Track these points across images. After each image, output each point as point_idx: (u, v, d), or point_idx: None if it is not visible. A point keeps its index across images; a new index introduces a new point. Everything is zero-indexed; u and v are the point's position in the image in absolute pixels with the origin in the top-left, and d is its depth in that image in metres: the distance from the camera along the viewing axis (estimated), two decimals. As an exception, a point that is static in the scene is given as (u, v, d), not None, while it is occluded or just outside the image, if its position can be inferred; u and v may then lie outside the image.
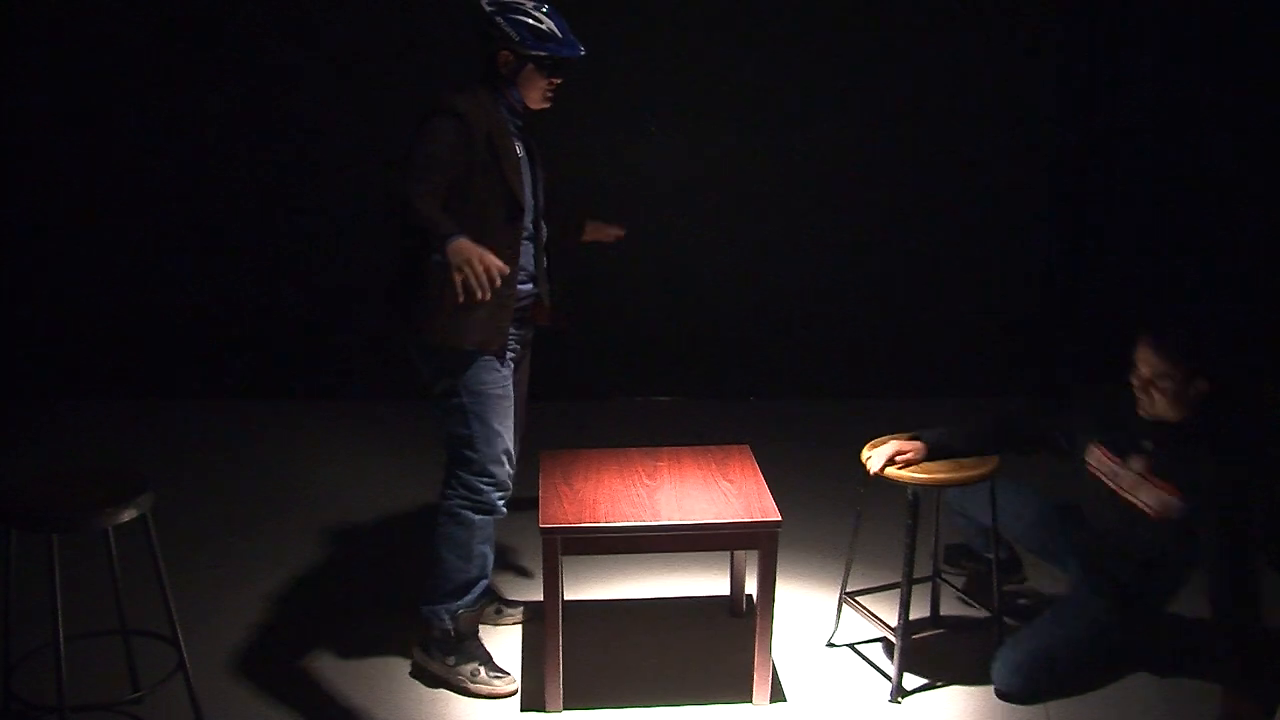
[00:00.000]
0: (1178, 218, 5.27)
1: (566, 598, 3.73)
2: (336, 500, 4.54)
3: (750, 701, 3.33)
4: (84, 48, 5.50)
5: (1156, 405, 3.28)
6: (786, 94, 5.65)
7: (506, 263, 3.04)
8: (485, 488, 3.28)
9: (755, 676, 3.30)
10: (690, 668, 3.51)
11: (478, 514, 3.30)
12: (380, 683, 3.42)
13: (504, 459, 3.32)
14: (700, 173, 5.75)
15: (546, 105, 3.31)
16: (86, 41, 5.49)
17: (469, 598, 3.37)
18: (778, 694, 3.38)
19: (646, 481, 3.45)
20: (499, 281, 2.93)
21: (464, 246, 2.89)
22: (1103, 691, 3.41)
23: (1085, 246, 5.45)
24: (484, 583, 3.40)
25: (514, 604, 3.80)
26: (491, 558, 3.39)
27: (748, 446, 3.71)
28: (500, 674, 3.37)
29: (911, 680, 3.43)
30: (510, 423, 3.35)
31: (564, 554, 3.18)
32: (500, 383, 3.30)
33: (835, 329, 5.86)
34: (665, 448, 3.71)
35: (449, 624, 3.36)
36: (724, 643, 3.64)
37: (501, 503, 3.33)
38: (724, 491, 3.37)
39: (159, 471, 4.98)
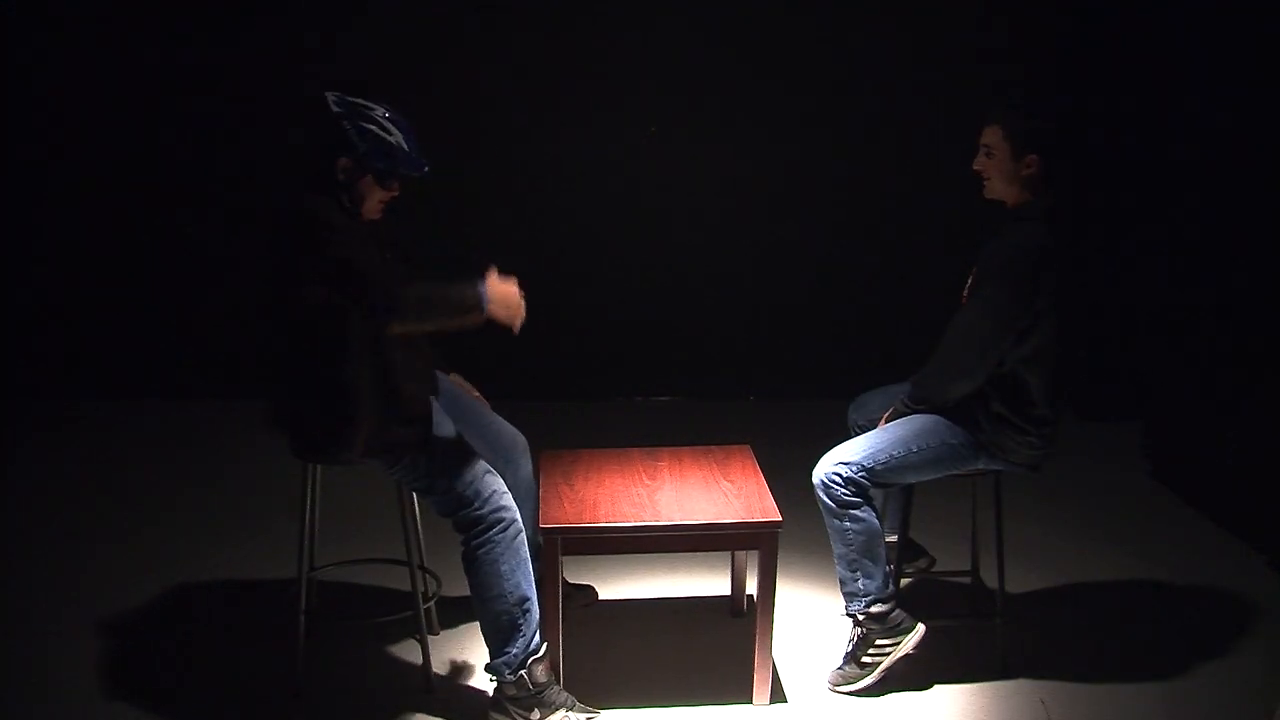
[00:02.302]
0: (1174, 221, 5.27)
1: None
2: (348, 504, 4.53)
3: (750, 702, 3.33)
4: (83, 47, 5.51)
5: (994, 185, 3.33)
6: (788, 94, 5.66)
7: (418, 361, 3.22)
8: (484, 511, 3.11)
9: (755, 676, 3.30)
10: (690, 668, 3.51)
11: (496, 535, 3.11)
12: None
13: (484, 473, 3.15)
14: (700, 172, 5.76)
15: (379, 217, 3.15)
16: (83, 41, 5.50)
17: (524, 638, 3.12)
18: (778, 694, 3.38)
19: (647, 481, 3.44)
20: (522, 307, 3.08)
21: (499, 294, 3.02)
22: (1103, 690, 3.42)
23: (1086, 248, 5.45)
24: (534, 615, 3.14)
25: (581, 588, 3.83)
26: (530, 582, 3.15)
27: (748, 446, 3.71)
28: (590, 712, 3.20)
29: (908, 679, 3.44)
30: (464, 440, 3.24)
31: (564, 554, 3.18)
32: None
33: (835, 329, 5.87)
34: (665, 448, 3.71)
35: (521, 676, 3.11)
36: (724, 643, 3.64)
37: (509, 510, 3.15)
38: (724, 492, 3.37)
39: (163, 471, 5.00)
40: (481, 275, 3.03)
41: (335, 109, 3.04)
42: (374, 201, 3.12)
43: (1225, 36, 4.95)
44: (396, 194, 3.14)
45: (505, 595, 3.11)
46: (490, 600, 3.12)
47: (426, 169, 3.11)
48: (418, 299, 3.00)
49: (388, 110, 3.07)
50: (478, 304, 2.99)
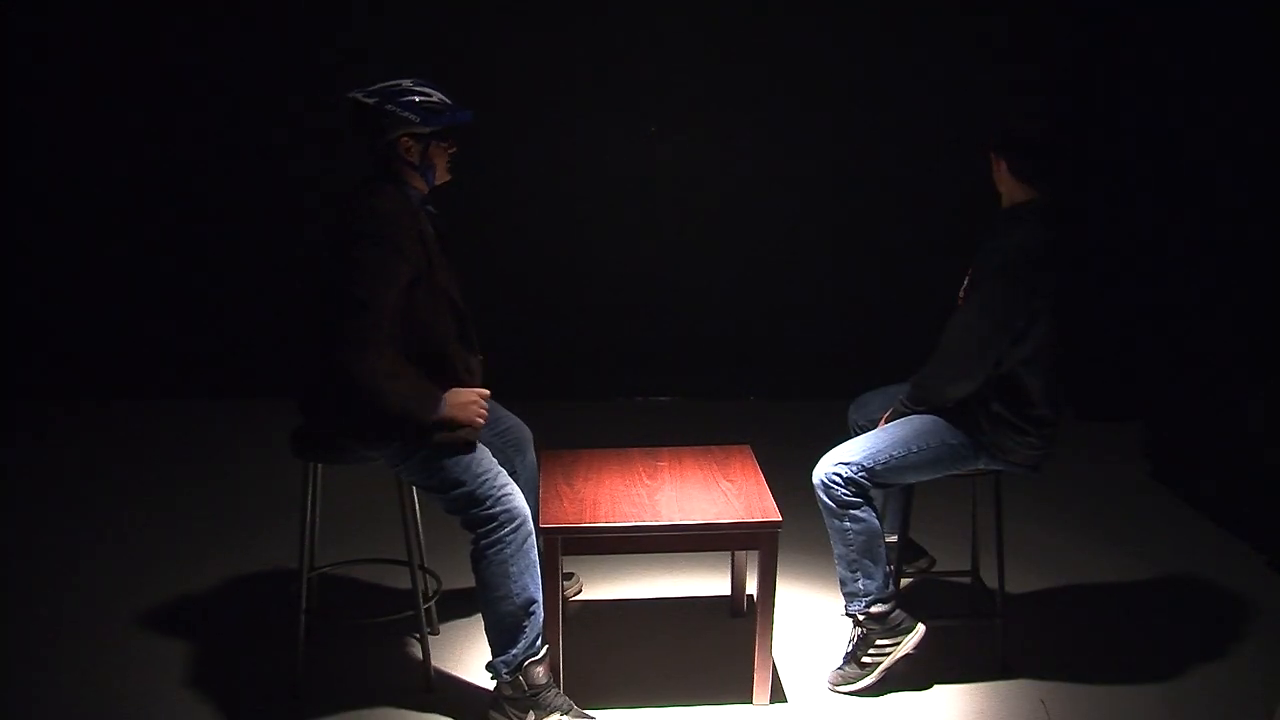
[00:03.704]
0: (1175, 225, 5.27)
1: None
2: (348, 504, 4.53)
3: (750, 701, 3.33)
4: (81, 48, 5.51)
5: (999, 188, 3.37)
6: (789, 94, 5.66)
7: (462, 365, 3.20)
8: (496, 510, 3.10)
9: (755, 676, 3.30)
10: (690, 668, 3.51)
11: (508, 535, 3.10)
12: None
13: (496, 472, 3.15)
14: (700, 173, 5.76)
15: (450, 176, 3.27)
16: (84, 41, 5.50)
17: (526, 640, 3.12)
18: (778, 694, 3.38)
19: (647, 481, 3.44)
20: (485, 405, 3.16)
21: (449, 411, 3.07)
22: (1103, 690, 3.42)
23: (1086, 248, 5.45)
24: (539, 618, 3.14)
25: (567, 575, 3.79)
26: (537, 584, 3.15)
27: (748, 446, 3.71)
28: (586, 718, 3.18)
29: (908, 679, 3.44)
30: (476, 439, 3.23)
31: (564, 554, 3.18)
32: None
33: (835, 329, 5.87)
34: (665, 448, 3.71)
35: (518, 677, 3.12)
36: (724, 643, 3.64)
37: (521, 511, 3.13)
38: (724, 492, 3.37)
39: (163, 471, 5.00)
40: (439, 398, 3.10)
41: (371, 100, 3.10)
42: (442, 166, 3.23)
43: (1227, 36, 4.95)
44: (455, 150, 3.24)
45: (512, 596, 3.11)
46: (496, 600, 3.13)
47: (471, 114, 3.20)
48: (386, 373, 3.00)
49: (409, 79, 3.14)
50: (428, 414, 3.06)
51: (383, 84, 3.12)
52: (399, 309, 3.05)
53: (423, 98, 3.11)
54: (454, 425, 3.11)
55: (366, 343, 2.98)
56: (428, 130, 3.13)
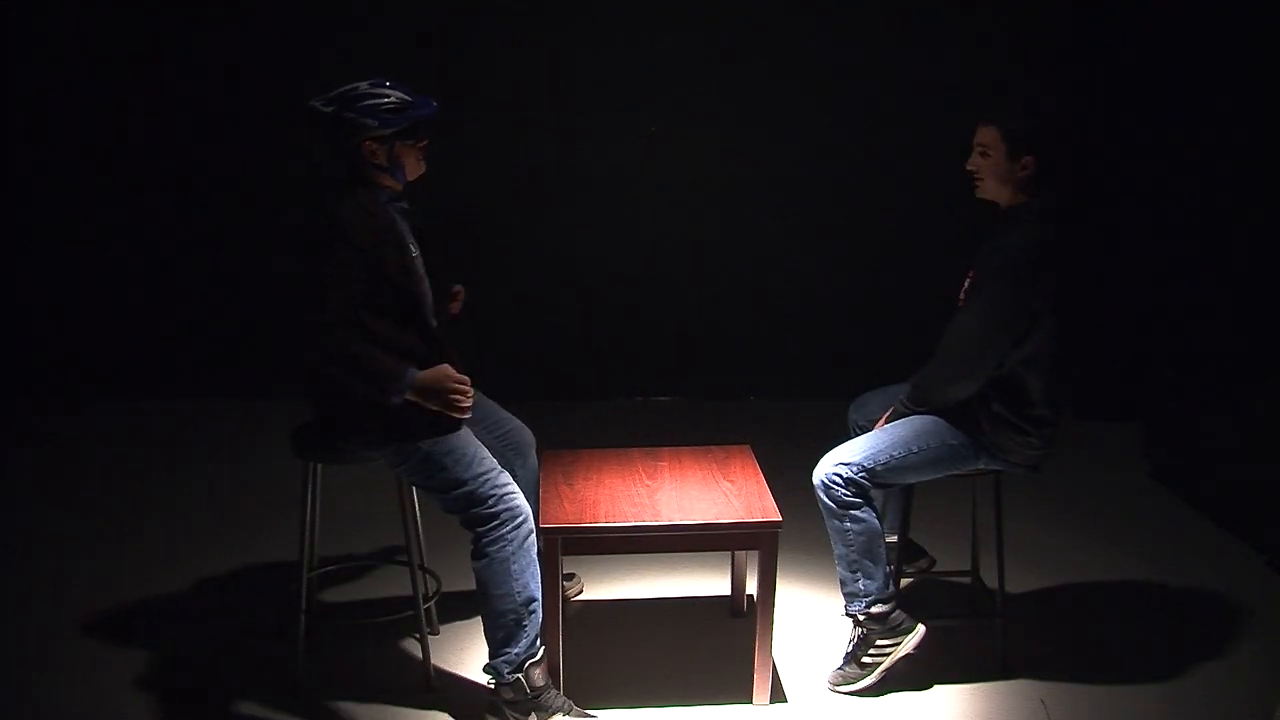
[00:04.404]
0: (1176, 225, 5.27)
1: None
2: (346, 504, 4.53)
3: (750, 701, 3.33)
4: (82, 47, 5.51)
5: (988, 185, 3.31)
6: (788, 94, 5.66)
7: (430, 351, 3.15)
8: (499, 509, 3.11)
9: (755, 676, 3.30)
10: (690, 668, 3.51)
11: (510, 533, 3.11)
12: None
13: (496, 471, 3.16)
14: (700, 172, 5.76)
15: (424, 168, 3.24)
16: (84, 41, 5.50)
17: (527, 639, 3.13)
18: (778, 694, 3.38)
19: (647, 481, 3.44)
20: (469, 388, 3.09)
21: (423, 383, 3.02)
22: (1103, 690, 3.42)
23: (1085, 248, 5.45)
24: (538, 617, 3.14)
25: (568, 576, 3.80)
26: (537, 583, 3.15)
27: (748, 446, 3.71)
28: (587, 717, 3.19)
29: (908, 679, 3.44)
30: (471, 435, 3.22)
31: (564, 554, 3.18)
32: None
33: (835, 329, 5.87)
34: (666, 448, 3.71)
35: (519, 679, 3.12)
36: (724, 643, 3.64)
37: (523, 509, 3.15)
38: (725, 492, 3.37)
39: (163, 471, 5.00)
40: (413, 370, 3.05)
41: (328, 108, 3.08)
42: (413, 161, 3.19)
43: (1227, 36, 4.95)
44: (426, 143, 3.20)
45: (513, 594, 3.11)
46: (497, 598, 3.12)
47: (435, 104, 3.16)
48: (344, 349, 2.99)
49: (366, 81, 3.10)
50: (395, 388, 3.01)
51: (340, 89, 3.09)
52: (359, 305, 3.04)
53: (380, 99, 3.06)
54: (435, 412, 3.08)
55: (323, 338, 2.98)
56: (389, 132, 3.09)
